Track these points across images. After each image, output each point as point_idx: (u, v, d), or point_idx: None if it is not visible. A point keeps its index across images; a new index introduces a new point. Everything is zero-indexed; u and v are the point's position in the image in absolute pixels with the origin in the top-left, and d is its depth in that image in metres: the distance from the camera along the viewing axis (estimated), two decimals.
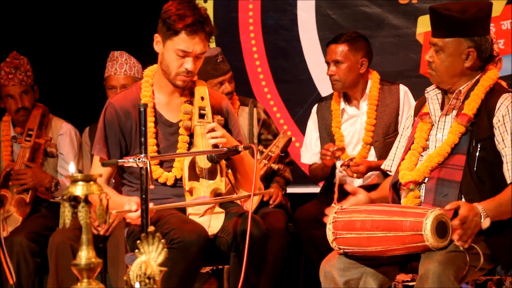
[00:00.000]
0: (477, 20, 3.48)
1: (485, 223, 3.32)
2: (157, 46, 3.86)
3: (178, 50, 3.78)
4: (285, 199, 5.22)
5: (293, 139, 5.72)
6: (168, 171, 3.85)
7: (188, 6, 3.78)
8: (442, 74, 3.55)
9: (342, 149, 4.89)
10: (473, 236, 3.30)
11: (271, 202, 5.08)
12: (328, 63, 5.02)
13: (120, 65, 5.20)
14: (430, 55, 3.56)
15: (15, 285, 4.81)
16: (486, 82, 3.53)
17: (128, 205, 3.59)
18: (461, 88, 3.54)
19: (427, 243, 3.25)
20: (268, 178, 5.20)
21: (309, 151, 5.20)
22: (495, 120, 3.46)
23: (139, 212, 3.54)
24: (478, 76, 3.55)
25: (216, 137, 3.74)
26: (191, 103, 3.89)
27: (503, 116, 3.45)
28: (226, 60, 5.09)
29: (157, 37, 3.85)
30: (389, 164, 3.80)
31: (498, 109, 3.47)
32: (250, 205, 3.63)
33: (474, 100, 3.50)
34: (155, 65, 3.94)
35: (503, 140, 3.44)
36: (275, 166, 5.06)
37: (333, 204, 3.54)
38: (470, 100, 3.50)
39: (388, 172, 3.84)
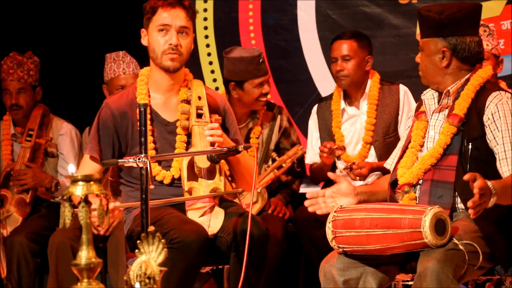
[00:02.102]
0: (453, 20, 3.51)
1: (492, 200, 3.30)
2: (144, 39, 3.89)
3: (159, 26, 3.81)
4: (289, 210, 5.18)
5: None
6: (166, 170, 3.85)
7: None
8: (425, 74, 3.60)
9: (343, 148, 4.88)
10: (482, 210, 3.25)
11: (269, 211, 5.05)
12: (335, 59, 5.00)
13: (127, 65, 5.19)
14: (418, 56, 3.62)
15: (6, 279, 4.82)
16: (476, 81, 3.54)
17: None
18: (449, 88, 3.55)
19: (425, 240, 3.25)
20: (275, 186, 5.17)
21: (310, 151, 5.20)
22: (485, 119, 3.48)
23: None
24: (468, 75, 3.56)
25: (214, 135, 3.74)
26: (188, 102, 3.89)
27: (492, 114, 3.47)
28: (265, 62, 5.07)
29: (143, 32, 3.89)
30: (390, 163, 3.82)
31: (487, 107, 3.48)
32: (250, 206, 3.63)
33: (464, 100, 3.51)
34: (149, 66, 3.95)
35: (494, 138, 3.46)
36: (283, 178, 5.04)
37: (332, 204, 3.55)
38: (460, 100, 3.52)
39: (389, 171, 3.85)
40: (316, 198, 3.57)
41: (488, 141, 3.47)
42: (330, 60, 5.12)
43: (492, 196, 3.27)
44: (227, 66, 5.02)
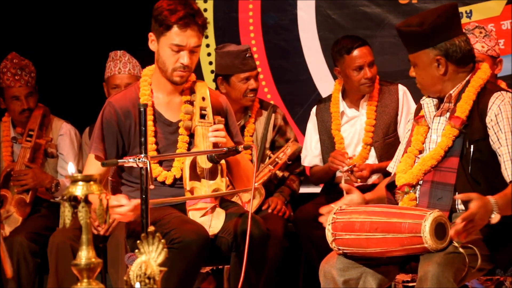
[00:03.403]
0: (436, 28, 3.49)
1: (495, 218, 3.28)
2: (152, 44, 3.86)
3: (172, 45, 3.78)
4: (288, 210, 5.17)
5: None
6: (167, 170, 3.85)
7: (179, 1, 3.78)
8: (424, 87, 3.59)
9: (350, 158, 4.89)
10: (476, 232, 3.28)
11: (269, 210, 5.04)
12: (360, 67, 4.91)
13: (124, 64, 5.19)
14: (411, 71, 3.61)
15: (14, 280, 4.82)
16: (477, 82, 3.54)
17: (116, 201, 3.59)
18: (451, 92, 3.55)
19: (425, 245, 3.25)
20: (274, 184, 5.16)
21: (309, 154, 5.19)
22: (487, 120, 3.47)
23: (127, 208, 3.54)
24: (468, 77, 3.56)
25: (218, 136, 3.75)
26: (191, 103, 3.89)
27: (495, 115, 3.46)
28: (253, 57, 5.07)
29: (151, 36, 3.86)
30: (392, 166, 3.82)
31: (490, 108, 3.47)
32: (250, 205, 3.63)
33: (466, 102, 3.51)
34: (153, 65, 3.94)
35: (498, 140, 3.44)
36: (279, 173, 5.04)
37: (332, 205, 3.55)
38: (461, 102, 3.51)
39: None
40: (330, 212, 3.56)
41: (491, 143, 3.46)
42: (329, 60, 5.10)
43: (493, 213, 3.27)
44: (216, 60, 5.09)
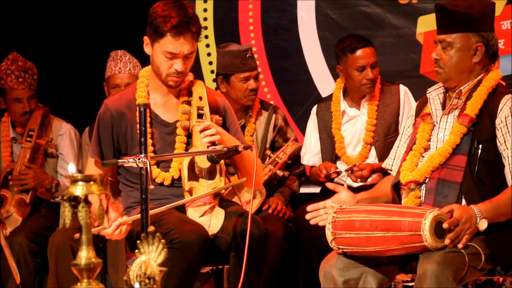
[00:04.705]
0: (484, 15, 3.50)
1: (482, 224, 3.33)
2: (147, 48, 3.87)
3: (165, 52, 3.78)
4: (288, 211, 5.17)
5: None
6: (166, 171, 3.85)
7: (174, 6, 3.76)
8: (450, 71, 3.54)
9: (339, 173, 4.89)
10: (468, 237, 3.30)
11: (270, 210, 5.04)
12: (362, 68, 4.90)
13: (124, 64, 5.19)
14: (437, 53, 3.55)
15: (14, 280, 4.81)
16: (489, 82, 3.53)
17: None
18: (462, 88, 3.53)
19: (425, 243, 3.25)
20: (275, 185, 5.16)
21: (309, 152, 5.19)
22: (497, 121, 3.46)
23: (113, 227, 3.60)
24: (480, 76, 3.55)
25: (210, 135, 3.73)
26: (189, 103, 3.89)
27: (505, 118, 3.45)
28: (254, 58, 5.07)
29: (146, 40, 3.86)
30: (389, 163, 3.81)
31: (501, 110, 3.47)
32: (250, 206, 3.63)
33: (476, 101, 3.50)
34: (149, 66, 3.94)
35: (504, 142, 3.44)
36: (280, 173, 5.04)
37: (332, 204, 3.55)
38: (472, 101, 3.50)
39: (388, 171, 3.84)
40: (318, 210, 3.57)
41: (498, 144, 3.45)
42: (329, 60, 5.09)
43: (479, 219, 3.31)
44: (217, 59, 5.10)
